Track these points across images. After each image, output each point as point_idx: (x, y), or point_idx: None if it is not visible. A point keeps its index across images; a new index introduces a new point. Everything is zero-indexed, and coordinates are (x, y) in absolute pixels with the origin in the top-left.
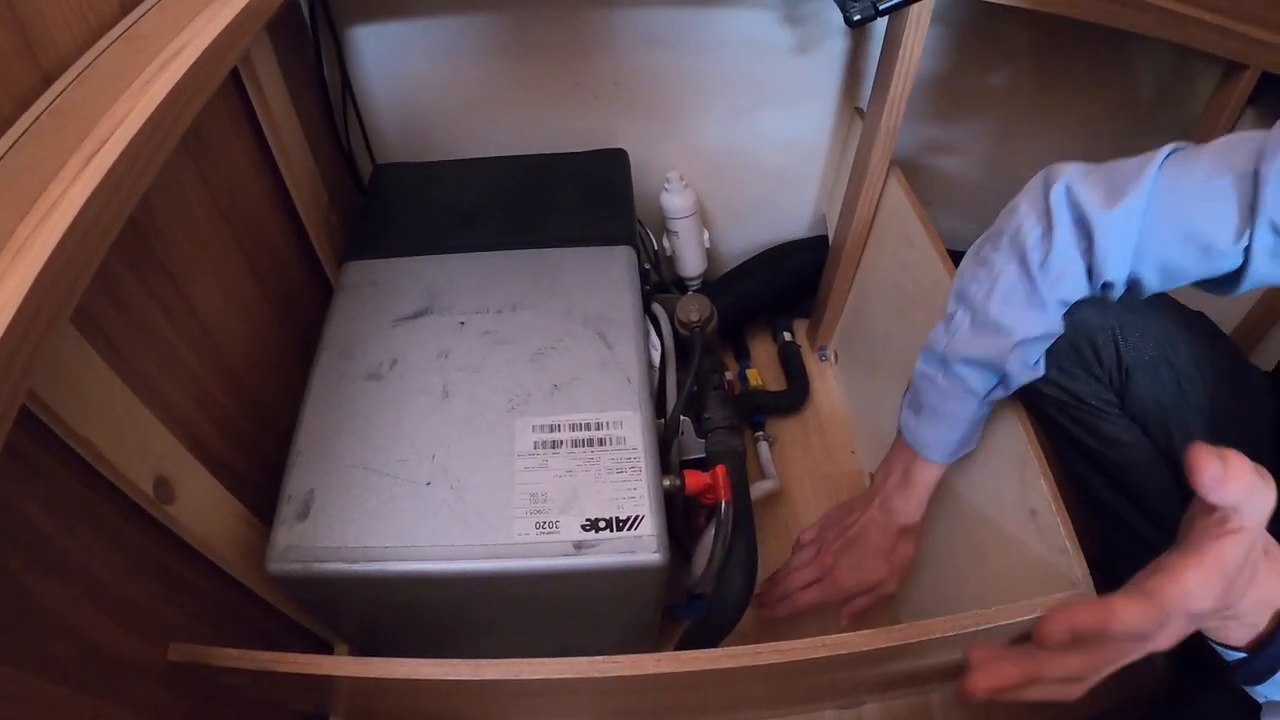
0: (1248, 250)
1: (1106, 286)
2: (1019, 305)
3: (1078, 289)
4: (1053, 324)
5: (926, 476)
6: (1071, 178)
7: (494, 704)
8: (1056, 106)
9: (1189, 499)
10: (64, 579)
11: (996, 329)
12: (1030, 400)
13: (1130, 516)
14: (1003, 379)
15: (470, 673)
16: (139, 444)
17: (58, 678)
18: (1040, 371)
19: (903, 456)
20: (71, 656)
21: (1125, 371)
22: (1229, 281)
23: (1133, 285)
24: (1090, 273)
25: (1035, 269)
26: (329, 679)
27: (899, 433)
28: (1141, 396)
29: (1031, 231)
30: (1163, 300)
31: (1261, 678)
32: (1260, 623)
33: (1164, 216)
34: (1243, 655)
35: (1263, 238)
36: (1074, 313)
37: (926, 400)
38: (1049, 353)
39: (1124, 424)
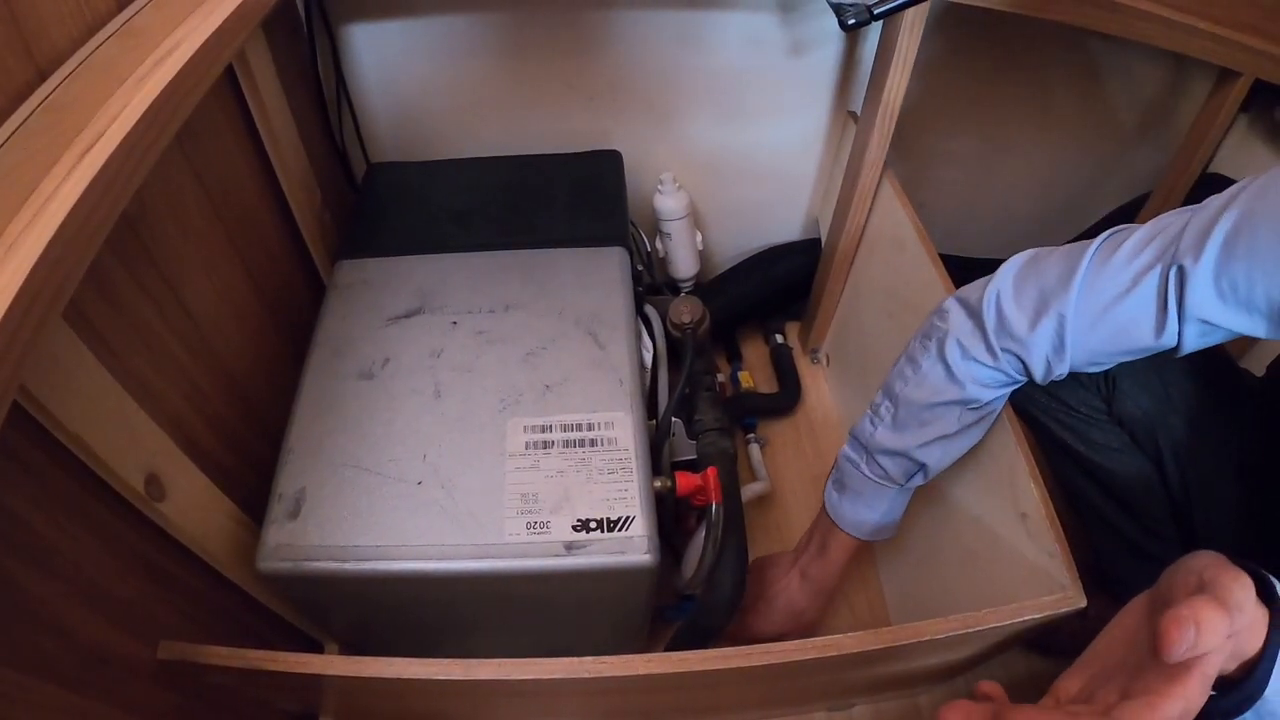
0: (1180, 338)
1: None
2: (940, 406)
3: (999, 390)
4: (970, 418)
5: (842, 551)
6: (1003, 286)
7: (484, 704)
8: (1050, 112)
9: (1177, 504)
10: (55, 576)
11: (919, 424)
12: (1019, 406)
13: (1119, 521)
14: (922, 469)
15: (461, 673)
16: (130, 441)
17: (47, 675)
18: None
19: (822, 527)
20: (61, 654)
21: (1112, 380)
22: (1166, 354)
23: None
24: (1024, 372)
25: (960, 376)
26: (319, 678)
27: (823, 504)
28: (1129, 404)
29: (959, 342)
30: None
31: (1232, 714)
32: (1229, 669)
33: (1088, 323)
34: (1212, 693)
35: (1191, 328)
36: None
37: (849, 482)
38: None
39: (1112, 430)
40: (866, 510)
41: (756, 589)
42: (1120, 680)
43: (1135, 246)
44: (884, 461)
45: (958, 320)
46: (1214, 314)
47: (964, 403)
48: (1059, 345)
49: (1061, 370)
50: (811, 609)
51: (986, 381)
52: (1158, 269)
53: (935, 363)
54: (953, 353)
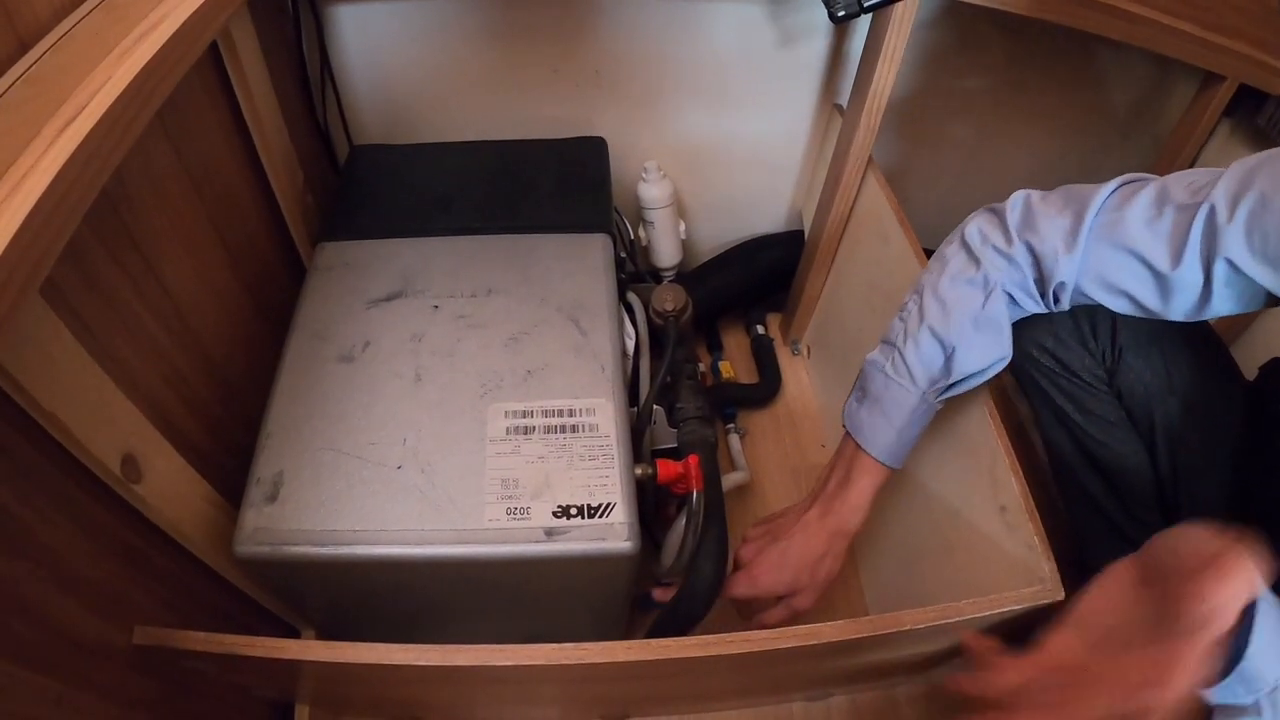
0: (1208, 274)
1: (1057, 288)
2: (963, 284)
3: (1016, 279)
4: (994, 309)
5: (867, 479)
6: (1031, 192)
7: (463, 692)
8: (1035, 110)
9: (1164, 489)
10: (28, 559)
11: (942, 305)
12: (1021, 367)
13: (1104, 500)
14: (947, 363)
15: (439, 658)
16: (107, 420)
17: (21, 660)
18: (987, 375)
19: (845, 456)
20: (36, 639)
21: (1119, 350)
22: (1193, 310)
23: (1081, 296)
24: (1035, 268)
25: (978, 254)
26: (296, 664)
27: (844, 434)
28: (1130, 376)
29: (982, 225)
30: None
31: (1215, 679)
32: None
33: (1105, 230)
34: None
35: (1221, 268)
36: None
37: (871, 387)
38: (1047, 319)
39: (1110, 403)
40: (884, 422)
41: (765, 539)
42: (1112, 650)
43: (1162, 185)
44: (910, 354)
45: (980, 217)
46: (1242, 259)
47: (984, 284)
48: (1072, 239)
49: (1069, 271)
50: (830, 556)
51: (1000, 267)
52: (1186, 203)
53: (958, 249)
54: (973, 236)
